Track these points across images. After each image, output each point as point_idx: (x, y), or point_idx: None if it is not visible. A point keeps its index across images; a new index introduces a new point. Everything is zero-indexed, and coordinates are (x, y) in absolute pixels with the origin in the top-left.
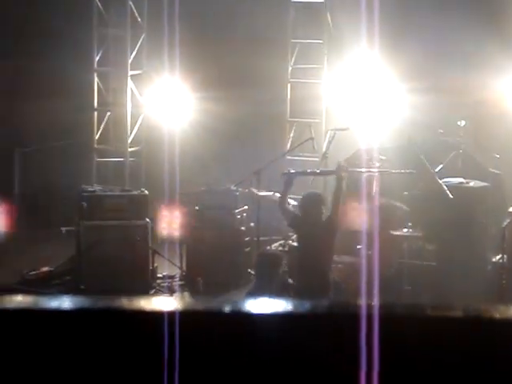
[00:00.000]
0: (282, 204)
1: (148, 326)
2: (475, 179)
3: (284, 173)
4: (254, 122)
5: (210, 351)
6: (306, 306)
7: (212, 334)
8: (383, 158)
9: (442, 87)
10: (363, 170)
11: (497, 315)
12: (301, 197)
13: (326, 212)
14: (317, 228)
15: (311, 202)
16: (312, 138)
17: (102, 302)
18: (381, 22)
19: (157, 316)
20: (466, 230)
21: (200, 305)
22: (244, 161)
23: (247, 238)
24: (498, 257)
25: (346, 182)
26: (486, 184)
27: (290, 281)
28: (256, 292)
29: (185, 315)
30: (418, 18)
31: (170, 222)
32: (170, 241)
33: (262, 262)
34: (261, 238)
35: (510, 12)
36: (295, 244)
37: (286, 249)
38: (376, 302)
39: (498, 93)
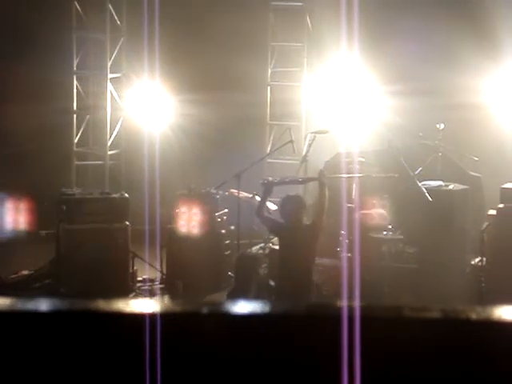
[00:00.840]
0: (261, 212)
1: (129, 328)
2: (455, 182)
3: (263, 182)
4: (234, 125)
5: (191, 352)
6: (286, 307)
7: (192, 335)
8: (362, 159)
9: (422, 90)
10: (343, 175)
11: (473, 316)
12: (281, 200)
13: (306, 215)
14: (298, 232)
15: (292, 206)
16: (292, 141)
17: (81, 305)
18: (361, 25)
19: (137, 318)
20: (446, 232)
21: (180, 307)
22: (224, 164)
23: (227, 241)
24: (477, 259)
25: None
26: (465, 187)
27: (272, 283)
28: (236, 294)
29: (166, 317)
30: (398, 20)
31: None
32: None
33: (242, 265)
34: (241, 241)
35: (492, 15)
36: (276, 247)
37: (267, 252)
38: (357, 304)
39: (479, 96)
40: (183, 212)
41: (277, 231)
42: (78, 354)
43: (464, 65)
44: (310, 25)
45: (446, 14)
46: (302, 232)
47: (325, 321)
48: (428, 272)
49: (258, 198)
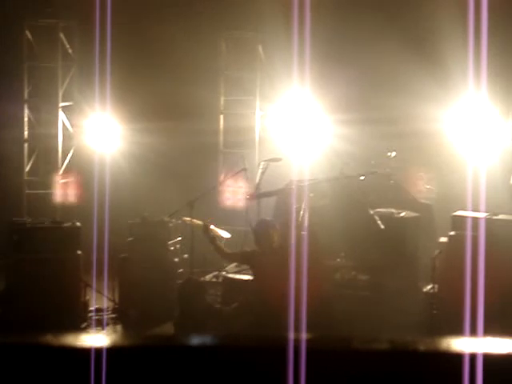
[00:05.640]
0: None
1: (74, 361)
2: (406, 210)
3: (249, 196)
4: (187, 153)
5: None
6: (231, 340)
7: (139, 368)
8: (311, 195)
9: (374, 118)
10: (306, 183)
11: (421, 347)
12: (255, 226)
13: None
14: (271, 256)
15: (263, 230)
16: (245, 169)
17: (29, 338)
18: (313, 55)
19: (84, 352)
20: (398, 260)
21: (128, 340)
22: (177, 192)
23: (181, 270)
24: (428, 286)
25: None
26: (416, 214)
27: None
28: (181, 321)
29: (112, 351)
30: (350, 49)
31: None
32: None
33: (184, 292)
34: (194, 270)
35: (443, 45)
36: (230, 275)
37: (220, 280)
38: (303, 335)
39: (430, 124)
40: (134, 241)
41: (248, 260)
42: None
43: (415, 93)
44: (262, 54)
45: (398, 44)
46: (274, 256)
47: (271, 353)
48: (380, 299)
49: (212, 227)
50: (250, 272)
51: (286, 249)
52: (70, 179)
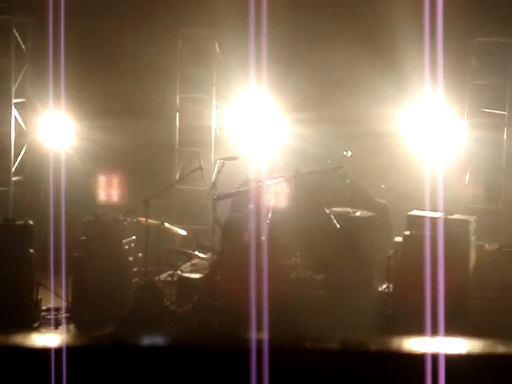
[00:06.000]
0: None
1: (25, 361)
2: (362, 209)
3: (215, 198)
4: (142, 151)
5: None
6: (191, 340)
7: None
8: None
9: (330, 118)
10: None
11: (373, 347)
12: (225, 223)
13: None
14: (239, 254)
15: (234, 228)
16: (201, 168)
17: None
18: (270, 53)
19: (35, 352)
20: (353, 259)
21: (80, 340)
22: (132, 190)
23: (135, 269)
24: (384, 286)
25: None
26: (372, 214)
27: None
28: (134, 321)
29: (64, 351)
30: (307, 49)
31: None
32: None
33: (142, 297)
34: (149, 269)
35: (399, 45)
36: (185, 275)
37: (175, 279)
38: (265, 335)
39: (386, 124)
40: (88, 240)
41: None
42: None
43: (372, 93)
44: (218, 52)
45: (354, 43)
46: (242, 254)
47: (231, 352)
48: (335, 299)
49: (166, 225)
50: (211, 271)
51: (248, 248)
52: (23, 177)
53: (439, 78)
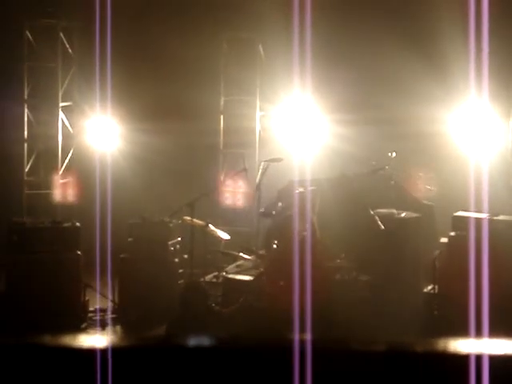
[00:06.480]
0: None
1: (73, 362)
2: (407, 210)
3: (261, 213)
4: (187, 154)
5: None
6: (236, 340)
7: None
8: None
9: (375, 119)
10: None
11: (419, 349)
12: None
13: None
14: (286, 253)
15: (288, 225)
16: (245, 169)
17: (29, 338)
18: (314, 55)
19: (82, 352)
20: (398, 260)
21: (127, 341)
22: (178, 192)
23: (181, 270)
24: (429, 287)
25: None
26: (417, 215)
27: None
28: (180, 322)
29: (111, 352)
30: (352, 49)
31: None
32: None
33: (186, 295)
34: (194, 270)
35: (445, 45)
36: (230, 276)
37: (220, 280)
38: (308, 337)
39: (431, 124)
40: (134, 241)
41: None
42: None
43: (416, 94)
44: (262, 54)
45: (399, 44)
46: (289, 254)
47: (276, 353)
48: (381, 300)
49: (211, 227)
50: (253, 272)
51: (304, 246)
52: (70, 179)
53: (484, 76)
